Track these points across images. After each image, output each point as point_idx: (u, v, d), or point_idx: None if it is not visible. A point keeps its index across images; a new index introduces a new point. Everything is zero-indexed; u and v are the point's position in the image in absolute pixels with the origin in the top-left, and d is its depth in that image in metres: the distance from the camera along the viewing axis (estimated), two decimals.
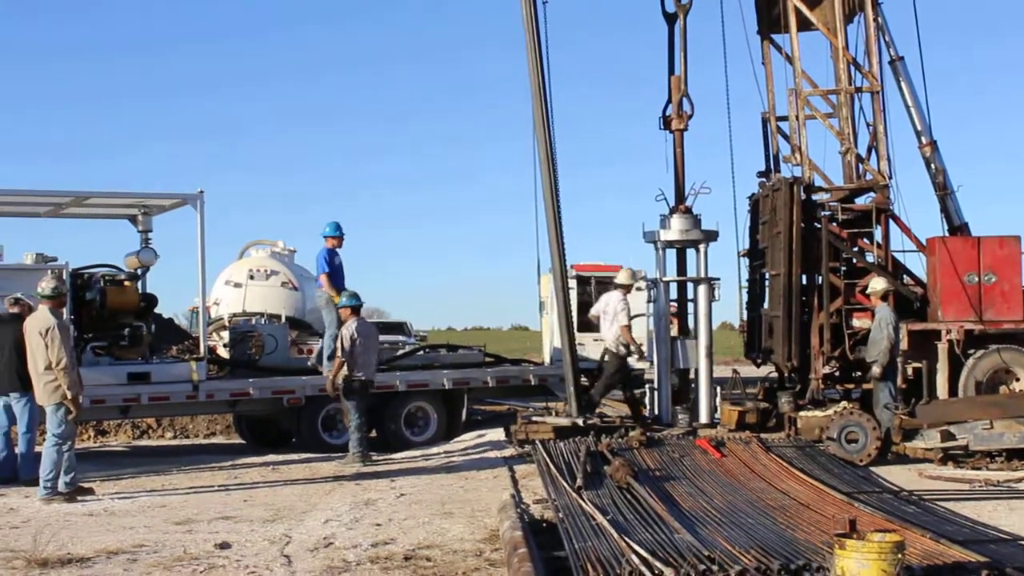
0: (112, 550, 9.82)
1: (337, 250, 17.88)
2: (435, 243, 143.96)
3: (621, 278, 17.50)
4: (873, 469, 14.19)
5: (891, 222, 17.73)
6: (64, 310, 14.02)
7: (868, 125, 18.18)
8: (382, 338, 27.91)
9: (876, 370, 15.54)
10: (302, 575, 8.86)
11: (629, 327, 16.97)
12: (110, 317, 16.80)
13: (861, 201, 17.91)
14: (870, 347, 15.85)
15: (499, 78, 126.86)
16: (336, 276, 17.74)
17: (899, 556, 6.85)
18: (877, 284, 16.14)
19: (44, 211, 18.93)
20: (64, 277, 15.63)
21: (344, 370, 15.94)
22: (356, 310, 16.46)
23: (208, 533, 10.62)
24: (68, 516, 11.85)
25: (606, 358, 17.13)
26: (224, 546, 9.93)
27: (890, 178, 17.74)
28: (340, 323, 17.32)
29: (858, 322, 17.20)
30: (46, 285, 13.13)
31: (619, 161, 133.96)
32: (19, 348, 13.50)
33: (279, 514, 11.70)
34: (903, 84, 18.50)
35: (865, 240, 17.72)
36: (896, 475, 13.72)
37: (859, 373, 17.14)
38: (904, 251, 17.98)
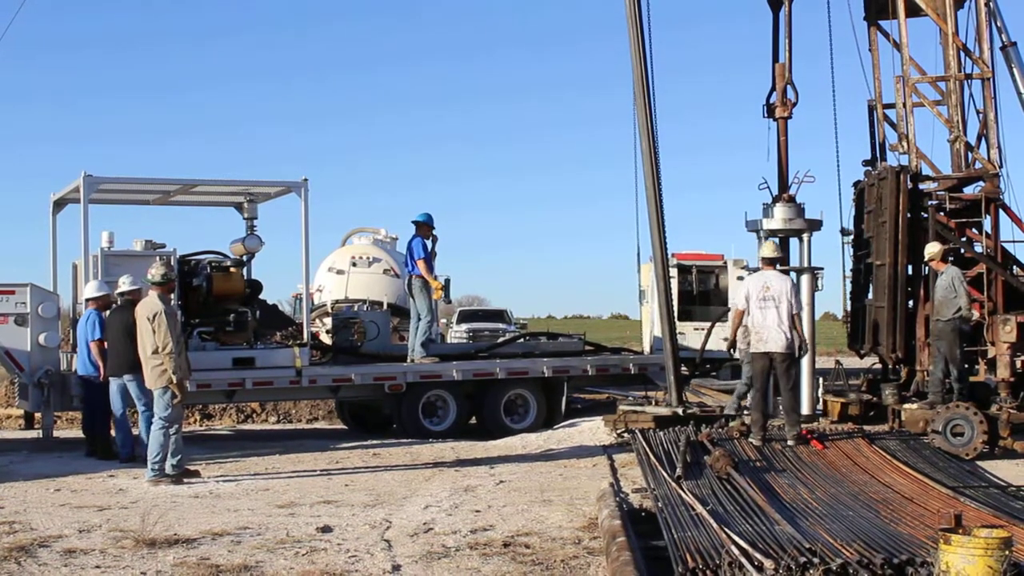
0: (217, 531, 10.00)
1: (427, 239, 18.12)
2: (536, 231, 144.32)
3: (766, 251, 15.38)
4: (980, 463, 13.89)
5: (1001, 212, 17.30)
6: (172, 296, 14.30)
7: (978, 112, 17.78)
8: (482, 326, 28.08)
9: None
10: (402, 560, 8.94)
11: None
12: (216, 303, 17.11)
13: (970, 190, 17.52)
14: (941, 307, 15.40)
15: (602, 64, 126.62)
16: (429, 264, 17.97)
17: (1006, 552, 6.72)
18: (931, 247, 15.78)
19: (153, 199, 19.37)
20: (172, 263, 15.95)
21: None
22: None
23: (310, 517, 10.77)
24: (175, 498, 12.10)
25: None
26: (326, 530, 10.06)
27: (1001, 167, 17.33)
28: (431, 309, 17.62)
29: None
30: (155, 271, 13.36)
31: (721, 150, 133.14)
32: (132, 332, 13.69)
33: (380, 499, 11.82)
34: (1015, 70, 18.01)
35: (973, 230, 17.33)
36: (1004, 470, 13.39)
37: (967, 365, 16.81)
38: (1014, 241, 17.56)
